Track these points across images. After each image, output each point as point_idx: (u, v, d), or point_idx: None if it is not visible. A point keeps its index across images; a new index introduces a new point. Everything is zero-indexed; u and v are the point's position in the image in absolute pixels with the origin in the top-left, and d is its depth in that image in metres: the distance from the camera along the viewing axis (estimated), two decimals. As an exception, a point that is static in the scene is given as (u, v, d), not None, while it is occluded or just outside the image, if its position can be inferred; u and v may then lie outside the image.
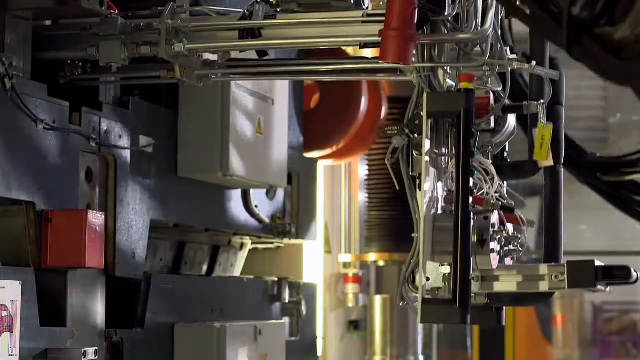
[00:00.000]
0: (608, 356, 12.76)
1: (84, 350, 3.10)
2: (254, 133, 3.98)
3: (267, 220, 4.44)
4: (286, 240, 4.74)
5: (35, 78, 3.15)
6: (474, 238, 2.87)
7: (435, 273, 2.82)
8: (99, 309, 3.35)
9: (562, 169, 3.33)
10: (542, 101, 3.08)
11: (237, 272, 4.71)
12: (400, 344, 6.04)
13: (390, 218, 5.95)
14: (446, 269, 2.80)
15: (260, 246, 4.93)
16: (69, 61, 3.37)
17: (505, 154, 3.48)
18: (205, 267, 4.45)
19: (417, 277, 2.93)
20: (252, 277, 4.45)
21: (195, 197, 3.94)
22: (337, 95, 4.91)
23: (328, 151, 4.99)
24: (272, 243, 4.91)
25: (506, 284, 3.03)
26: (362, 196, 6.51)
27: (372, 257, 6.09)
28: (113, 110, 3.47)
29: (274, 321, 4.44)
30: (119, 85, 3.55)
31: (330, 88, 4.90)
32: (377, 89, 5.10)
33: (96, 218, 3.14)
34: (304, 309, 4.65)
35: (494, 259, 2.95)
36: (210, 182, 3.96)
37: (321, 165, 5.27)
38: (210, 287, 4.07)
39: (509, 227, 3.06)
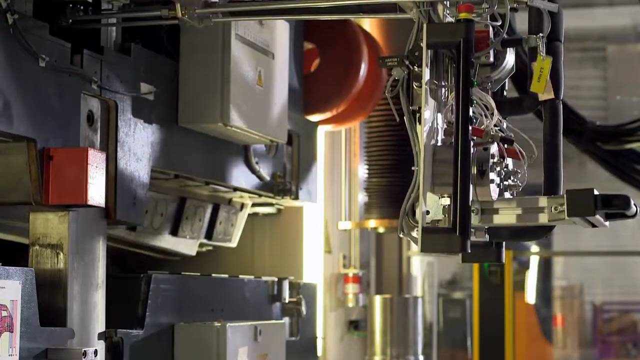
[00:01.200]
0: (608, 356, 12.75)
1: (84, 350, 3.10)
2: (254, 85, 4.00)
3: (268, 178, 4.46)
4: (286, 201, 4.75)
5: (37, 18, 3.16)
6: (473, 169, 2.88)
7: (435, 205, 2.83)
8: (100, 253, 3.35)
9: (561, 105, 3.31)
10: (541, 34, 3.08)
11: (236, 233, 4.74)
12: (400, 344, 6.04)
13: (390, 185, 5.96)
14: (446, 201, 2.81)
15: (260, 210, 4.95)
16: (71, 4, 3.37)
17: (505, 92, 3.44)
18: (205, 224, 4.47)
19: (417, 210, 2.94)
20: (252, 277, 4.45)
21: (196, 149, 3.96)
22: (337, 59, 4.94)
23: (328, 114, 5.02)
24: (272, 205, 4.92)
25: (506, 217, 3.03)
26: (362, 164, 6.50)
27: (372, 223, 6.09)
28: (115, 55, 3.48)
29: (274, 321, 4.44)
30: (120, 31, 3.56)
31: (331, 52, 4.93)
32: (377, 53, 5.13)
33: (98, 157, 3.17)
34: (304, 309, 4.65)
35: (494, 190, 2.96)
36: (211, 134, 3.97)
37: (322, 131, 5.29)
38: (210, 287, 4.07)
39: (509, 161, 3.08)
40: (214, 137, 4.01)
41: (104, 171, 3.19)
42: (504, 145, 3.07)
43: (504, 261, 3.32)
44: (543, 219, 3.04)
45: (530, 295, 10.13)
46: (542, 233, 3.31)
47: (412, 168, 3.04)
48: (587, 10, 10.65)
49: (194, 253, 4.61)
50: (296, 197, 4.73)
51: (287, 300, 4.58)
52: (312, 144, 4.93)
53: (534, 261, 10.24)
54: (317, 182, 5.05)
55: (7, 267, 2.89)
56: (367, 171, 6.16)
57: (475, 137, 2.92)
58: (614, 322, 13.29)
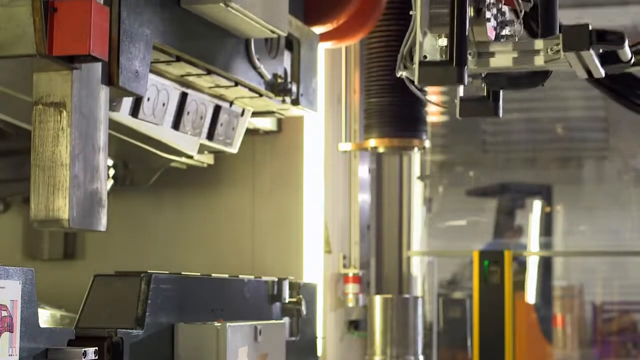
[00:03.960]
0: (608, 356, 12.74)
1: (84, 350, 3.10)
2: None
3: (269, 76, 4.52)
4: (286, 109, 4.80)
5: None
6: (470, 10, 2.89)
7: (432, 48, 2.84)
8: (102, 118, 3.36)
9: None
10: None
11: (237, 138, 4.79)
12: (400, 344, 6.04)
13: (390, 104, 5.98)
14: (443, 42, 2.82)
15: (260, 124, 5.04)
16: None
17: None
18: (207, 123, 4.52)
19: (415, 56, 2.95)
20: (252, 277, 4.46)
21: (198, 33, 4.00)
22: None
23: (329, 26, 5.05)
24: (272, 113, 4.96)
25: (502, 60, 3.04)
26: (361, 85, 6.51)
27: (372, 143, 6.08)
28: None
29: (274, 321, 4.45)
30: None
31: None
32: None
33: (102, 11, 3.21)
34: (304, 309, 4.65)
35: (490, 30, 2.97)
36: (213, 20, 4.02)
37: (322, 48, 5.33)
38: (210, 287, 4.07)
39: (505, 9, 3.08)
40: (216, 25, 4.07)
41: (107, 25, 3.26)
42: None
43: (500, 115, 3.34)
44: (539, 61, 3.06)
45: (530, 295, 10.13)
46: (539, 80, 3.32)
47: (410, 12, 3.04)
48: (587, 10, 10.65)
49: (195, 152, 4.65)
50: (297, 102, 4.79)
51: (287, 300, 4.58)
52: (312, 54, 4.99)
53: (534, 261, 10.24)
54: (318, 94, 5.10)
55: (7, 267, 2.89)
56: (366, 92, 6.15)
57: None
58: (614, 322, 13.29)
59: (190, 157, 4.86)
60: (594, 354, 12.59)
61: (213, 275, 4.18)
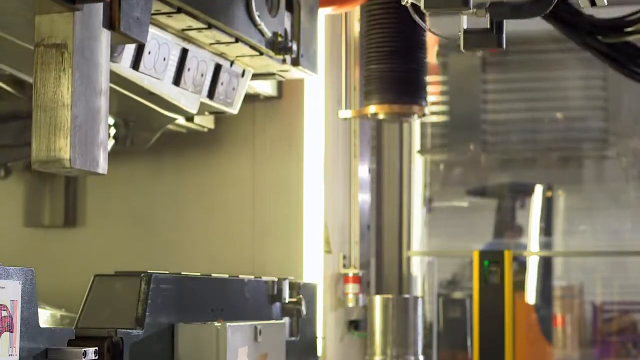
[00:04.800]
0: (608, 356, 12.74)
1: (84, 350, 3.10)
2: None
3: (269, 34, 4.54)
4: (287, 70, 4.81)
5: None
6: None
7: None
8: (104, 62, 3.36)
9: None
10: None
11: (238, 99, 4.81)
12: (400, 344, 6.04)
13: (390, 70, 5.97)
14: None
15: (260, 89, 5.06)
16: None
17: None
18: (208, 81, 4.54)
19: None
20: (252, 277, 4.46)
21: None
22: None
23: None
24: (273, 75, 4.98)
25: None
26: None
27: (372, 109, 6.08)
28: None
29: (274, 321, 4.45)
30: None
31: None
32: None
33: None
34: (304, 309, 4.65)
35: None
36: None
37: (322, 14, 5.35)
38: (210, 287, 4.07)
39: None
40: None
41: None
42: None
43: (504, 46, 3.35)
44: None
45: (530, 295, 10.13)
46: (542, 7, 3.33)
47: None
48: (587, 10, 10.65)
49: (195, 110, 4.65)
50: (297, 62, 4.80)
51: (287, 300, 4.58)
52: (313, 17, 4.99)
53: (534, 261, 10.24)
54: (318, 57, 5.10)
55: (7, 267, 2.89)
56: (366, 58, 6.14)
57: None
58: (614, 322, 13.29)
59: (191, 116, 4.87)
60: (594, 354, 12.59)
61: (213, 275, 4.18)
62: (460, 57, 11.15)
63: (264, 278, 4.52)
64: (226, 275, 4.30)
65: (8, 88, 4.66)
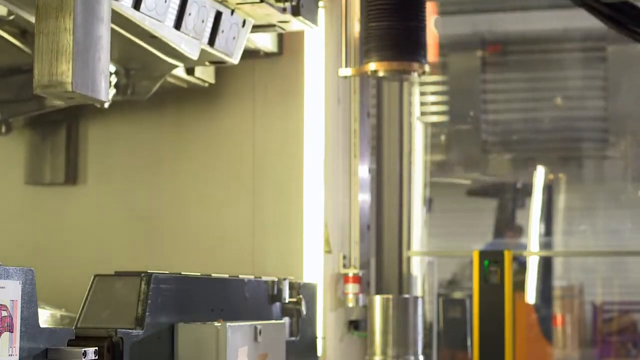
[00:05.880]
0: (608, 356, 12.74)
1: (84, 350, 3.10)
2: None
3: None
4: (287, 17, 4.84)
5: None
6: None
7: None
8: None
9: None
10: None
11: (238, 49, 4.82)
12: (400, 344, 6.04)
13: (390, 28, 5.96)
14: None
15: (260, 43, 5.09)
16: None
17: None
18: (208, 28, 4.57)
19: None
20: (252, 276, 4.46)
21: None
22: None
23: None
24: (273, 26, 5.00)
25: None
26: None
27: (372, 66, 6.07)
28: None
29: (274, 321, 4.45)
30: None
31: None
32: None
33: None
34: (304, 309, 4.65)
35: None
36: None
37: None
38: (210, 287, 4.07)
39: None
40: None
41: None
42: None
43: None
44: None
45: (530, 295, 10.13)
46: None
47: None
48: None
49: (196, 56, 4.67)
50: (297, 12, 4.85)
51: (287, 300, 4.58)
52: None
53: (534, 261, 10.24)
54: (318, 9, 5.17)
55: (7, 267, 2.89)
56: (366, 16, 6.13)
57: None
58: (614, 322, 13.29)
59: (192, 66, 4.87)
60: (594, 354, 12.59)
61: (213, 275, 4.18)
62: (460, 57, 11.16)
63: (264, 278, 4.52)
64: (226, 275, 4.30)
65: (11, 38, 4.65)
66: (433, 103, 10.94)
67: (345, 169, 6.53)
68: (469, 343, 9.05)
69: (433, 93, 10.98)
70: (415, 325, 6.09)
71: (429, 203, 9.35)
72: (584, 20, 10.95)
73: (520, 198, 11.07)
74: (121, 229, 5.63)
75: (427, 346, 7.70)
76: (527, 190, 10.95)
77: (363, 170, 6.55)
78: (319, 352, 5.13)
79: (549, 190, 11.10)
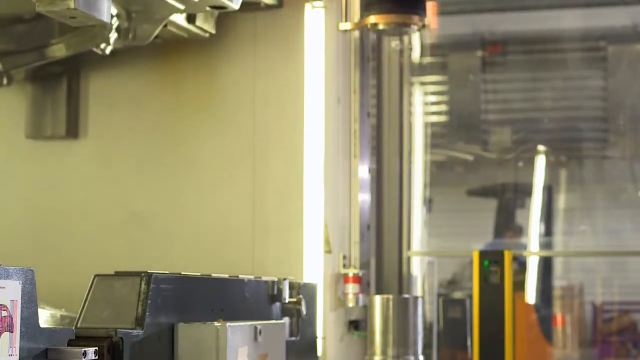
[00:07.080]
0: (608, 356, 12.74)
1: (84, 350, 3.10)
2: None
3: None
4: None
5: None
6: None
7: None
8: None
9: None
10: None
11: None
12: (400, 344, 6.04)
13: None
14: None
15: None
16: None
17: None
18: None
19: None
20: (252, 276, 4.46)
21: None
22: None
23: None
24: None
25: None
26: None
27: (372, 19, 6.04)
28: None
29: (274, 321, 4.45)
30: None
31: None
32: None
33: None
34: (304, 309, 4.65)
35: None
36: None
37: None
38: (210, 287, 4.07)
39: None
40: None
41: None
42: None
43: None
44: None
45: (530, 295, 10.13)
46: None
47: None
48: (587, 10, 10.65)
49: None
50: None
51: (287, 300, 4.58)
52: None
53: (534, 261, 10.24)
54: None
55: (7, 267, 2.89)
56: None
57: None
58: (614, 322, 13.29)
59: (193, 6, 4.83)
60: (594, 354, 12.59)
61: (213, 275, 4.18)
62: (460, 57, 11.16)
63: (264, 278, 4.52)
64: (226, 275, 4.29)
65: None
66: (433, 103, 10.94)
67: (345, 169, 6.53)
68: (469, 343, 9.05)
69: (433, 93, 10.98)
70: (415, 325, 6.09)
71: (429, 203, 9.34)
72: (584, 20, 10.97)
73: (520, 198, 11.08)
74: (121, 229, 5.63)
75: (427, 346, 7.69)
76: (527, 190, 10.95)
77: (363, 170, 6.55)
78: (319, 352, 5.13)
79: (549, 190, 11.11)
